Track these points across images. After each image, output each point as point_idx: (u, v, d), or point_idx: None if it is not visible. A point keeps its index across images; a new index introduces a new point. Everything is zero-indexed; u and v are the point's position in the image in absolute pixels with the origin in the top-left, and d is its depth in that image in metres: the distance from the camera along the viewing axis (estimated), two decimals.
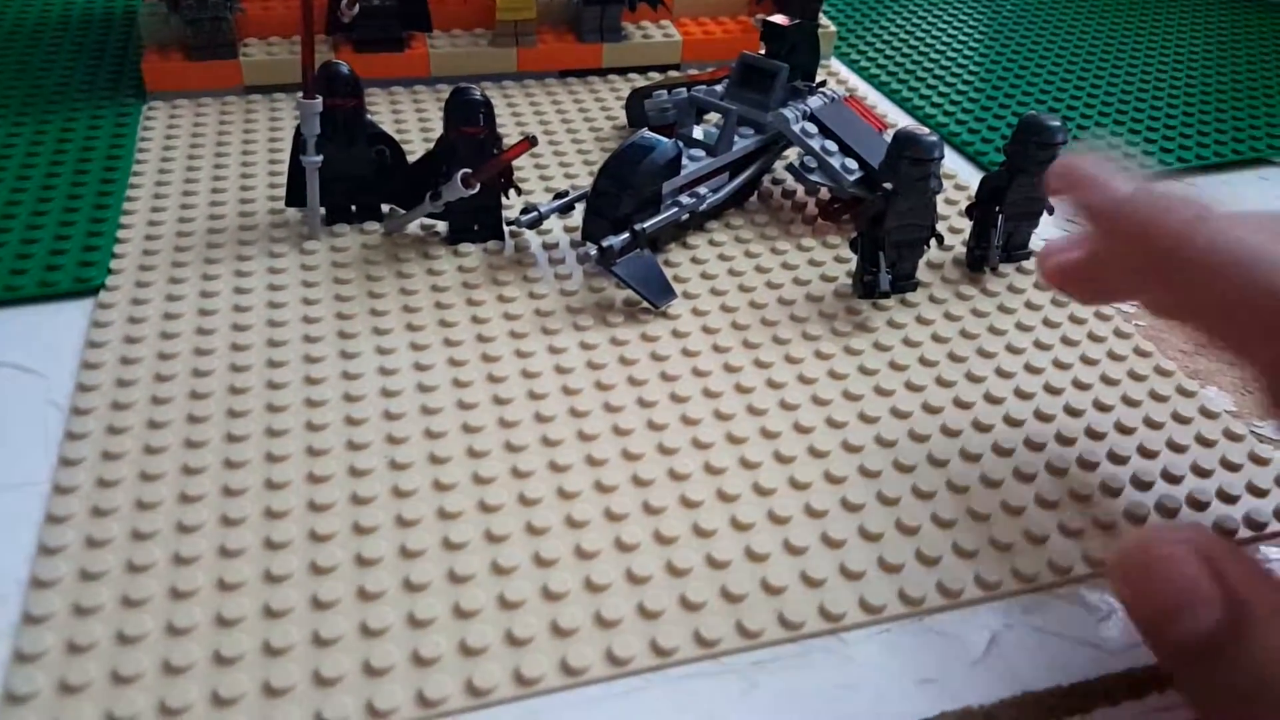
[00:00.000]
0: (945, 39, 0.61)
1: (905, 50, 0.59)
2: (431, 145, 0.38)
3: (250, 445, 0.29)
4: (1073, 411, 0.32)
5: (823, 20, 0.56)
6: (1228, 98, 0.55)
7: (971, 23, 0.63)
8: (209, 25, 0.46)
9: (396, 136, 0.39)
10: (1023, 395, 0.33)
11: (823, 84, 0.44)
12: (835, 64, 0.57)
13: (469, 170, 0.35)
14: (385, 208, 0.39)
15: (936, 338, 0.35)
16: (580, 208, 0.38)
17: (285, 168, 0.42)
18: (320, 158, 0.36)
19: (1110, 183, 0.24)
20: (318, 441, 0.29)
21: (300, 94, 0.35)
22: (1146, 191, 0.23)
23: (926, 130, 0.35)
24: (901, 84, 0.55)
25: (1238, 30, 0.65)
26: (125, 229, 0.38)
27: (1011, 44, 0.61)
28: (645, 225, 0.36)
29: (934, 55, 0.58)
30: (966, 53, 0.59)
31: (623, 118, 0.48)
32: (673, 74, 0.53)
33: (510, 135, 0.46)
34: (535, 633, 0.24)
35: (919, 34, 0.61)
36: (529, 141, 0.35)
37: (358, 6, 0.46)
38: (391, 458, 0.29)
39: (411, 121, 0.47)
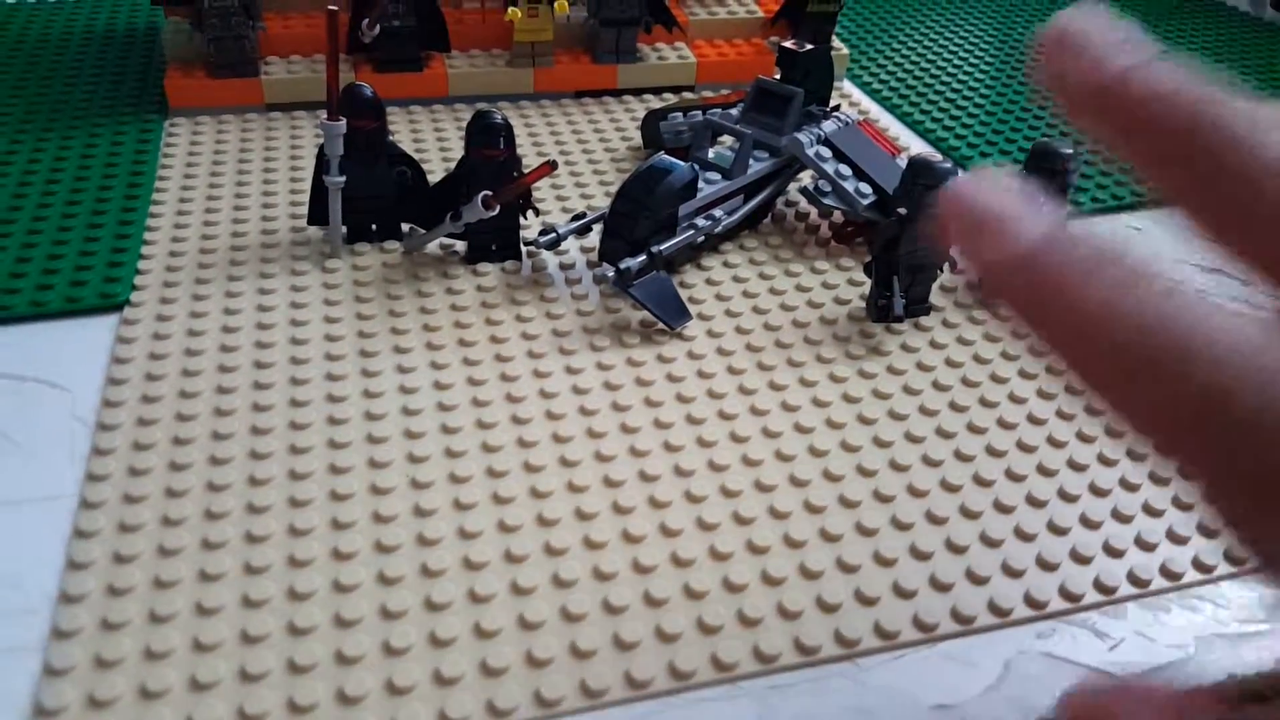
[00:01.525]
0: (956, 62, 0.61)
1: (917, 73, 0.59)
2: (449, 164, 0.38)
3: (274, 463, 0.29)
4: (1085, 438, 0.32)
5: (835, 43, 0.56)
6: None
7: (982, 46, 0.64)
8: (232, 44, 0.47)
9: (415, 154, 0.40)
10: (1035, 421, 0.33)
11: (837, 108, 0.45)
12: (848, 86, 0.57)
13: (490, 192, 0.36)
14: (405, 227, 0.40)
15: (950, 362, 0.36)
16: (597, 229, 0.39)
17: (306, 185, 0.43)
18: (343, 178, 0.36)
19: (1015, 227, 0.16)
20: (340, 460, 0.29)
21: (324, 115, 0.36)
22: (1062, 245, 0.16)
23: (940, 157, 0.35)
24: (914, 106, 0.55)
25: (1248, 57, 0.66)
26: (149, 245, 0.39)
27: (1022, 67, 0.61)
28: (662, 247, 0.36)
29: (945, 78, 0.59)
30: (978, 75, 0.59)
31: (637, 138, 0.49)
32: (687, 95, 0.54)
33: (527, 155, 0.46)
34: (555, 654, 0.24)
35: (930, 56, 0.62)
36: (550, 166, 0.35)
37: (378, 27, 0.47)
38: (413, 476, 0.29)
39: (430, 140, 0.48)
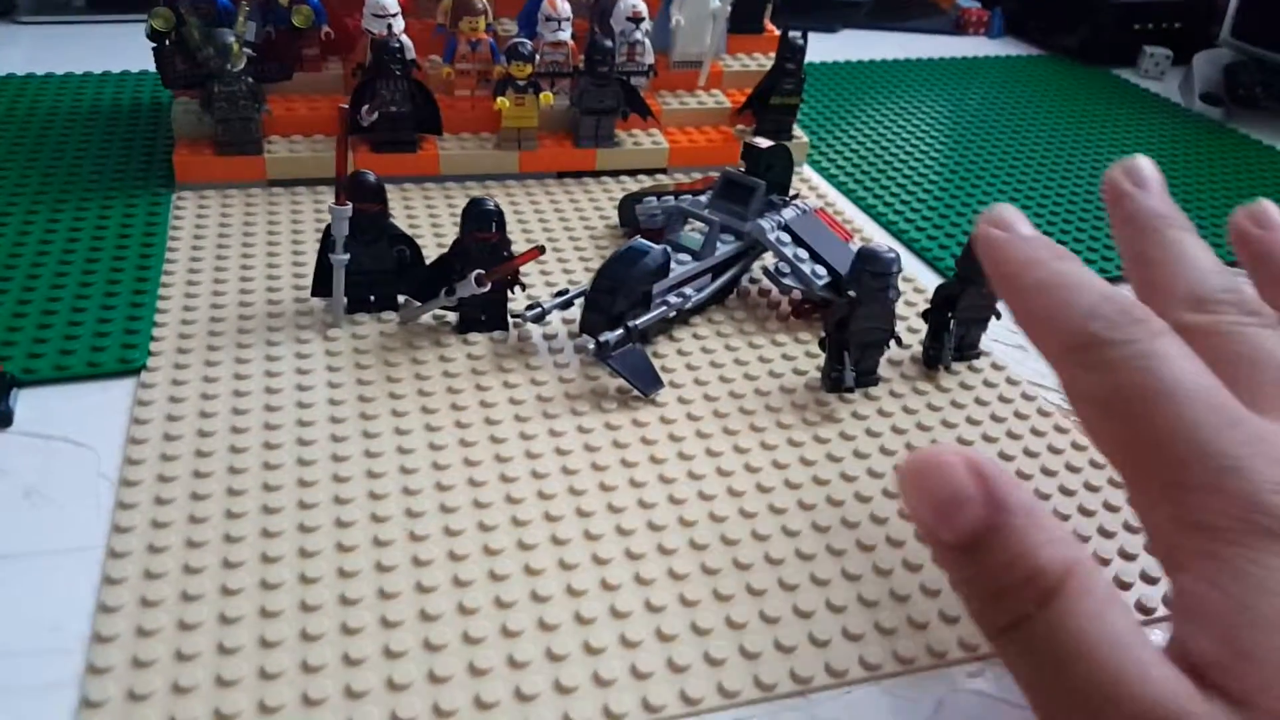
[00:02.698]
0: (909, 149, 0.67)
1: (872, 159, 0.64)
2: (439, 235, 0.41)
3: (284, 517, 0.32)
4: None
5: (796, 132, 0.61)
6: None
7: (932, 135, 0.70)
8: (238, 124, 0.51)
9: (407, 228, 0.43)
10: None
11: (796, 196, 0.49)
12: (808, 171, 0.62)
13: (482, 271, 0.39)
14: (401, 299, 0.43)
15: (895, 429, 0.39)
16: (578, 303, 0.43)
17: (308, 257, 0.46)
18: (347, 255, 0.40)
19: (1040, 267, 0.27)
20: (344, 514, 0.32)
21: (324, 191, 0.39)
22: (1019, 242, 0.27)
23: (886, 248, 0.40)
24: (867, 191, 0.60)
25: (1179, 148, 0.72)
26: (162, 313, 0.42)
27: (969, 157, 0.67)
28: (637, 322, 0.40)
29: (897, 165, 0.64)
30: (928, 163, 0.65)
31: (614, 217, 0.53)
32: (660, 177, 0.58)
33: (512, 230, 0.50)
34: (540, 690, 0.27)
35: (884, 144, 0.67)
36: (538, 250, 0.39)
37: (377, 113, 0.51)
38: (411, 530, 0.32)
39: (422, 215, 0.52)
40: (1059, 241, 0.56)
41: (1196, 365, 0.23)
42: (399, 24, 0.51)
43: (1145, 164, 0.30)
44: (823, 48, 0.83)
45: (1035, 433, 0.40)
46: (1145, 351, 0.23)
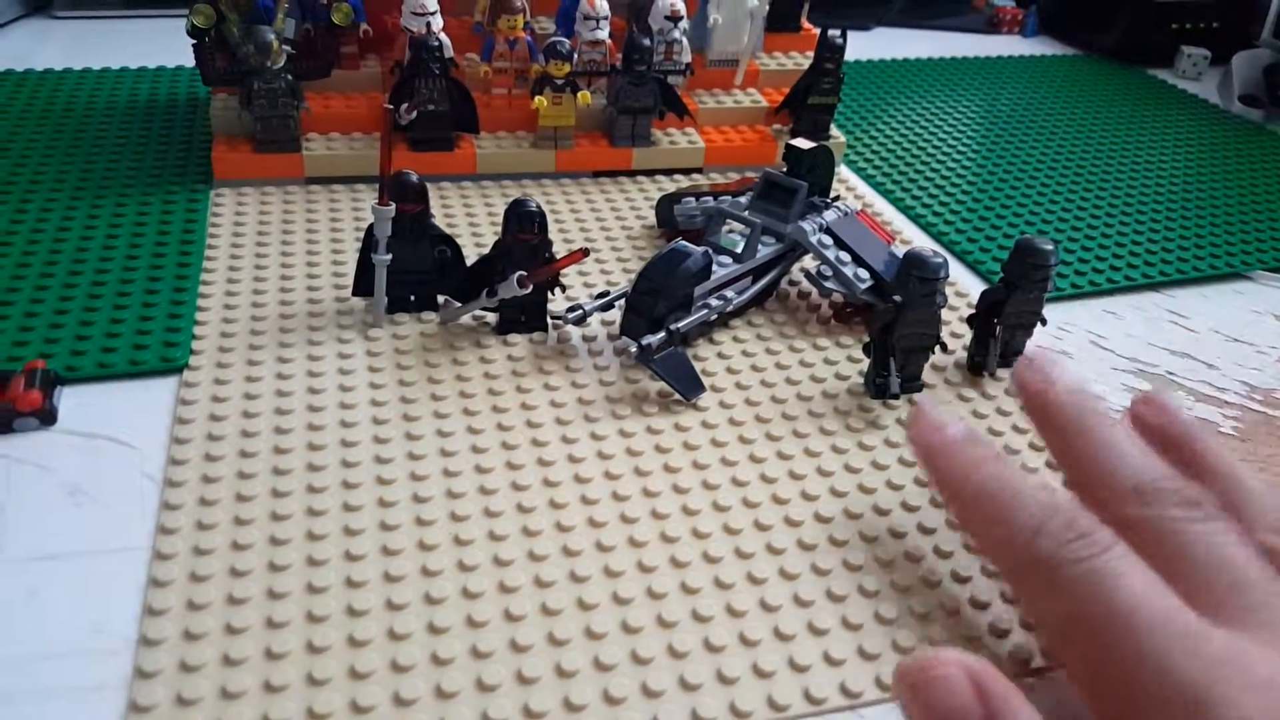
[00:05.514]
0: (946, 149, 0.66)
1: (908, 160, 0.64)
2: (476, 234, 0.41)
3: (329, 519, 0.32)
4: None
5: (834, 131, 0.60)
6: (1206, 215, 0.60)
7: (968, 135, 0.69)
8: (277, 122, 0.51)
9: (444, 226, 0.43)
10: None
11: (837, 198, 0.49)
12: (845, 171, 0.61)
13: (524, 273, 0.39)
14: (441, 299, 0.43)
15: None
16: (618, 306, 0.42)
17: (347, 256, 0.46)
18: (389, 256, 0.40)
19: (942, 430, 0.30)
20: (389, 518, 0.32)
21: (360, 189, 0.39)
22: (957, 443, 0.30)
23: (932, 252, 0.39)
24: (905, 192, 0.59)
25: (1218, 150, 0.70)
26: (203, 311, 0.42)
27: (1006, 158, 0.66)
28: (679, 325, 0.40)
29: (934, 165, 0.63)
30: (965, 163, 0.64)
31: (652, 217, 0.53)
32: (696, 177, 0.58)
33: (549, 229, 0.50)
34: (589, 700, 0.27)
35: (921, 143, 0.66)
36: (582, 253, 0.39)
37: (416, 112, 0.50)
38: (456, 534, 0.32)
39: (459, 213, 0.51)
40: (1101, 244, 0.56)
41: (1149, 580, 0.23)
42: (437, 22, 0.50)
43: (1043, 357, 0.32)
44: (855, 46, 0.82)
45: None
46: (1098, 571, 0.23)
